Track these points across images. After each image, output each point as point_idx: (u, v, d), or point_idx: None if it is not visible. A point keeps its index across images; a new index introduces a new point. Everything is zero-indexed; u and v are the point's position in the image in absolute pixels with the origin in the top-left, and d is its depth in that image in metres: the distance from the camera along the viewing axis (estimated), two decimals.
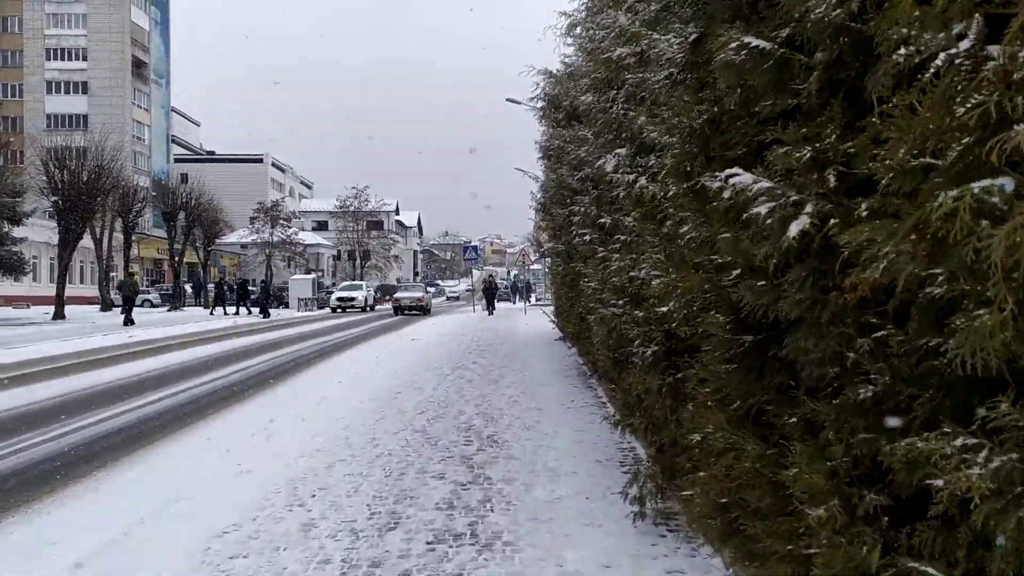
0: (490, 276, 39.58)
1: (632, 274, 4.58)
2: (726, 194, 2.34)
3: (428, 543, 4.71)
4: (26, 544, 5.09)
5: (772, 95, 2.44)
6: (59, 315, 31.39)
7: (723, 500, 2.95)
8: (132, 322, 28.81)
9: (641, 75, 4.28)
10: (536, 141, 18.91)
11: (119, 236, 43.19)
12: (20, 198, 31.30)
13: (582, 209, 5.99)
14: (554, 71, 10.17)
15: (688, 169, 2.89)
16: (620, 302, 4.98)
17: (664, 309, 3.16)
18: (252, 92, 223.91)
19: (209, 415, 9.70)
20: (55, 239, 32.86)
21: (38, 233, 41.89)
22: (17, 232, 32.23)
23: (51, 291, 54.25)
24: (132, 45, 71.15)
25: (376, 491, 5.86)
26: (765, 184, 2.24)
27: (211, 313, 37.70)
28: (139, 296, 34.85)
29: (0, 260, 30.35)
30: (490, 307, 35.97)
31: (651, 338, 4.71)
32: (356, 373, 13.22)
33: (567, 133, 8.84)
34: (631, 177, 3.85)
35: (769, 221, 2.15)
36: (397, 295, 42.68)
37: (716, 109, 2.80)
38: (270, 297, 38.56)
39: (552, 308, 34.46)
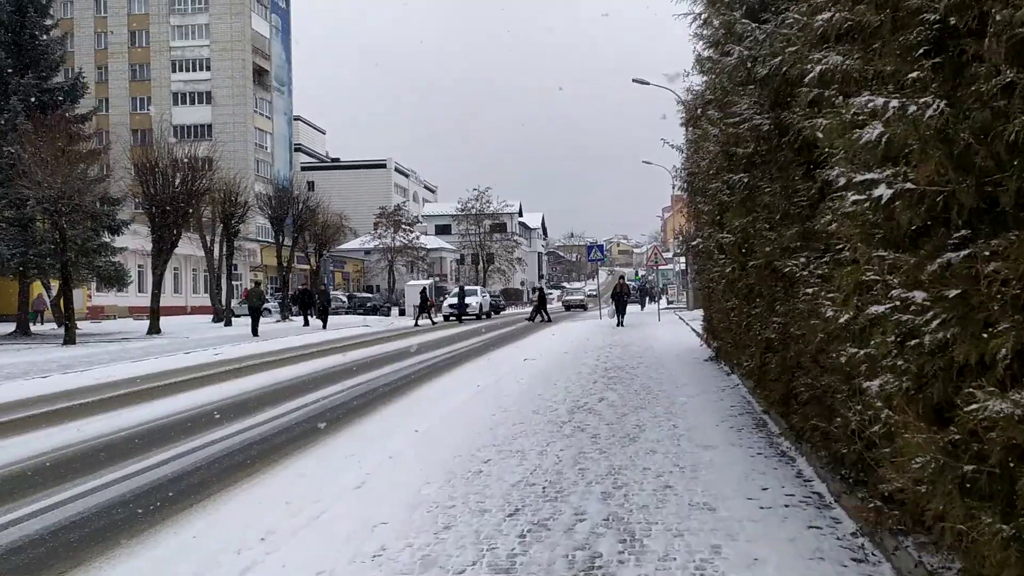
0: (621, 279, 33.92)
1: None
2: None
3: None
4: None
5: None
6: (154, 329, 29.08)
7: None
8: (257, 334, 26.85)
9: None
10: (678, 101, 15.07)
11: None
12: (118, 206, 29.74)
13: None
14: None
15: None
16: None
17: None
18: (378, 99, 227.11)
19: (185, 513, 6.36)
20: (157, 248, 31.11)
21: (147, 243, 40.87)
22: (118, 242, 30.73)
23: (175, 301, 54.13)
24: (253, 53, 71.11)
25: None
26: None
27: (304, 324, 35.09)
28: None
29: (98, 271, 28.76)
30: (620, 316, 30.41)
31: None
32: (439, 416, 9.73)
33: (759, 29, 4.96)
34: None
35: None
36: (565, 297, 67.66)
37: None
38: (328, 303, 35.55)
39: (692, 314, 29.55)
